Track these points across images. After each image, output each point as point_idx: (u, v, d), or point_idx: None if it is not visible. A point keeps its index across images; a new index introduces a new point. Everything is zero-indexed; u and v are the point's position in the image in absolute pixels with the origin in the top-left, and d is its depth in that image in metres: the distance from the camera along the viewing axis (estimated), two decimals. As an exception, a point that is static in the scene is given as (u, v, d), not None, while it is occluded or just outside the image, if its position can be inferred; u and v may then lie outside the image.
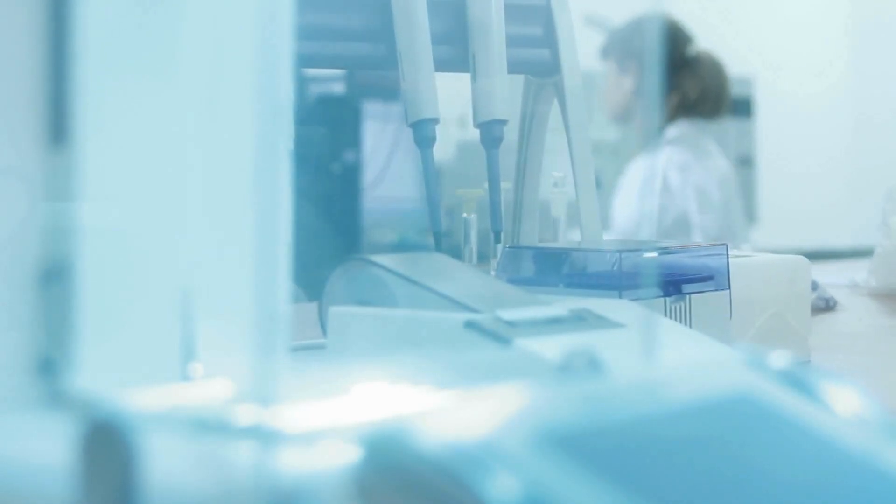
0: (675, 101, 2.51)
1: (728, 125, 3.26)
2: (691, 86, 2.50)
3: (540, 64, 0.96)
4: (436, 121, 0.89)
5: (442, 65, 0.90)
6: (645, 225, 2.20)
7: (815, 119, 3.98)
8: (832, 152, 3.99)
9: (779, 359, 0.50)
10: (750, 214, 3.28)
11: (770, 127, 3.59)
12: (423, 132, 0.88)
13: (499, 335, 0.63)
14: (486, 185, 0.93)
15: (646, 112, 2.46)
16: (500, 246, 0.89)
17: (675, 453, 0.42)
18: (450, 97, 0.93)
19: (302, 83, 0.58)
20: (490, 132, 0.92)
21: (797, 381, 0.48)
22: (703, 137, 2.59)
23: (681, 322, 0.75)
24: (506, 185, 0.95)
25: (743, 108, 3.32)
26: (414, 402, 0.50)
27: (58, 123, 0.53)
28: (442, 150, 0.94)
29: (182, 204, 0.55)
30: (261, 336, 0.53)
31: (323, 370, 0.59)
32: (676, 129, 2.54)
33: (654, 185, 2.34)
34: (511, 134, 0.95)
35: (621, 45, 2.48)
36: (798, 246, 1.39)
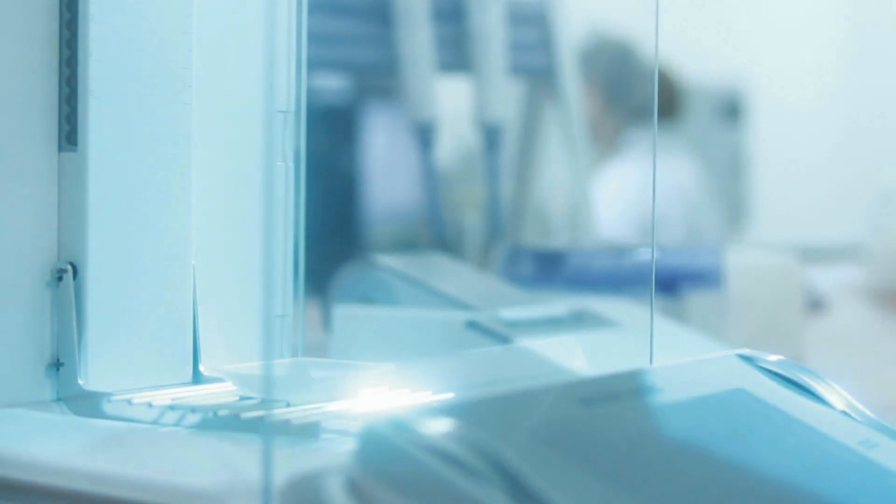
0: (633, 109, 2.54)
1: (722, 125, 3.27)
2: (643, 94, 2.52)
3: (539, 67, 0.97)
4: (436, 122, 0.90)
5: (443, 67, 0.91)
6: (630, 227, 2.22)
7: (808, 119, 3.99)
8: (824, 151, 4.00)
9: (772, 357, 0.51)
10: (743, 212, 3.29)
11: (764, 127, 3.59)
12: (423, 134, 0.89)
13: (499, 334, 0.64)
14: (486, 186, 0.93)
15: (612, 121, 2.49)
16: (500, 246, 0.89)
17: (670, 449, 0.43)
18: (450, 99, 0.94)
19: (304, 86, 0.59)
20: (490, 134, 0.93)
21: (790, 379, 0.49)
22: (663, 140, 2.60)
23: (677, 321, 0.76)
24: (505, 186, 0.96)
25: (737, 108, 3.33)
26: (414, 400, 0.51)
27: (69, 126, 0.54)
28: (443, 152, 0.95)
29: (189, 206, 0.56)
30: (266, 336, 0.54)
31: (326, 369, 0.59)
32: (637, 135, 2.56)
33: (631, 189, 2.36)
34: (511, 135, 0.95)
35: (584, 63, 2.50)
36: (791, 243, 1.40)
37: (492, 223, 0.92)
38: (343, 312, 0.70)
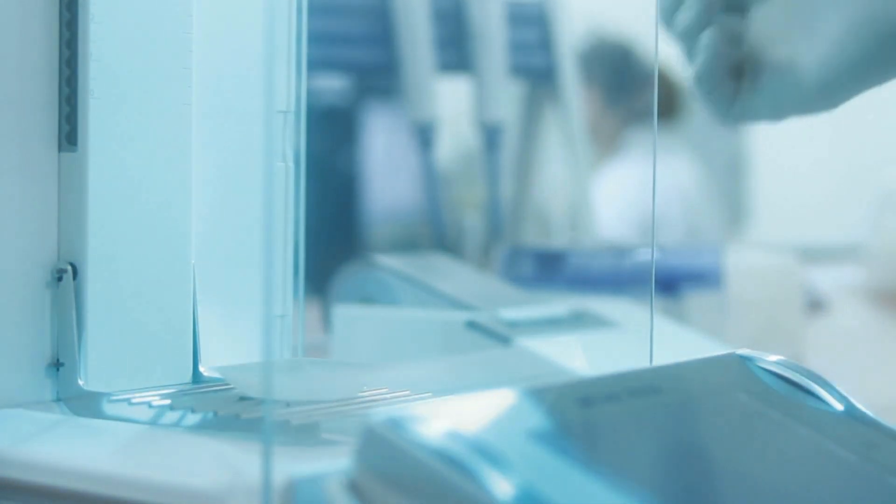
0: (633, 109, 2.53)
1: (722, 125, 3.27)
2: (643, 95, 2.52)
3: (539, 67, 0.97)
4: (436, 122, 0.90)
5: (443, 67, 0.91)
6: (630, 227, 2.22)
7: (808, 119, 3.99)
8: (824, 151, 4.00)
9: (772, 357, 0.51)
10: (743, 212, 3.29)
11: (764, 127, 3.60)
12: (423, 134, 0.90)
13: (499, 334, 0.64)
14: (486, 186, 0.94)
15: (612, 121, 2.49)
16: (500, 246, 0.90)
17: (670, 449, 0.43)
18: (450, 99, 0.94)
19: (304, 86, 0.59)
20: (490, 134, 0.93)
21: (790, 379, 0.49)
22: (663, 140, 2.60)
23: (677, 321, 0.76)
24: (505, 186, 0.96)
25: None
26: (413, 400, 0.51)
27: (70, 126, 0.54)
28: (443, 152, 0.95)
29: (189, 205, 0.56)
30: (266, 336, 0.54)
31: (326, 369, 0.59)
32: (637, 135, 2.56)
33: (631, 189, 2.36)
34: (511, 136, 0.96)
35: (584, 64, 2.49)
36: (791, 243, 1.40)
37: (492, 223, 0.92)
38: (343, 312, 0.70)
